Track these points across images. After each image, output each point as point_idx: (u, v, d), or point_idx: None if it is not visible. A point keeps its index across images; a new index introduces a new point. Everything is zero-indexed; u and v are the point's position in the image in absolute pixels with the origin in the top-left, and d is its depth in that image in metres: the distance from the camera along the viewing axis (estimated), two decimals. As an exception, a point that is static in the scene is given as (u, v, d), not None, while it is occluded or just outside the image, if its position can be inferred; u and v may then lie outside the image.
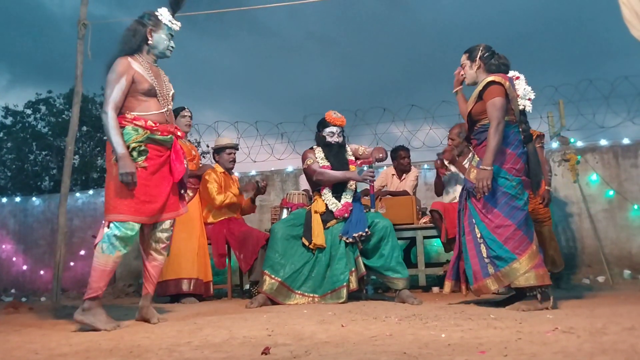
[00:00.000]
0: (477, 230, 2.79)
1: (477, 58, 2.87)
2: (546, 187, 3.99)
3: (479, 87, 2.80)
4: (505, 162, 2.75)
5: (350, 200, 3.47)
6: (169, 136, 2.61)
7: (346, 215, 3.43)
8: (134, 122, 2.54)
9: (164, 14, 2.67)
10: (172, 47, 2.73)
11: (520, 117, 2.85)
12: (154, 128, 2.56)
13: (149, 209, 2.55)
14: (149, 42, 2.65)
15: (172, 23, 2.70)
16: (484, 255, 2.75)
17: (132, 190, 2.48)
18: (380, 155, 3.38)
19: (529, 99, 2.89)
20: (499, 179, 2.73)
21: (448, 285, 2.97)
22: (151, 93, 2.61)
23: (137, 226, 2.50)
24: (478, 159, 2.82)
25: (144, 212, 2.54)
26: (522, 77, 2.93)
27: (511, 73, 2.93)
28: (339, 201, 3.47)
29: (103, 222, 2.53)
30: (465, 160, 4.04)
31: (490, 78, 2.76)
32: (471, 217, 2.83)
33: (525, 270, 2.64)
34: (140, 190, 2.51)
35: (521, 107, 2.87)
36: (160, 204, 2.59)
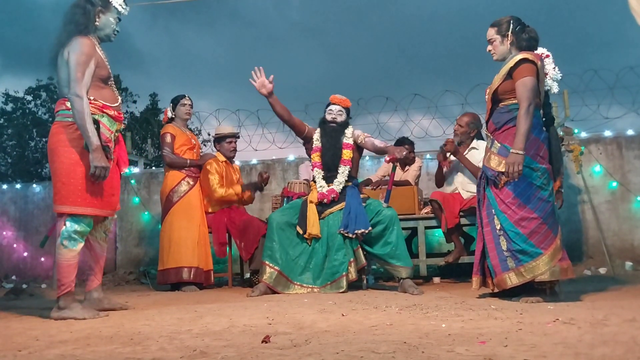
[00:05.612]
0: (496, 222, 2.65)
1: (510, 32, 2.69)
2: (559, 188, 3.82)
3: (509, 64, 2.64)
4: (530, 148, 2.56)
5: (337, 188, 3.43)
6: (122, 127, 2.58)
7: (326, 201, 3.40)
8: (104, 110, 2.46)
9: None
10: (117, 31, 2.60)
11: (543, 99, 2.72)
12: (119, 118, 2.52)
13: (113, 201, 2.55)
14: (96, 23, 2.52)
15: (122, 7, 2.59)
16: (503, 248, 2.62)
17: (101, 183, 2.43)
18: (404, 153, 3.32)
19: (556, 81, 2.77)
20: (524, 169, 2.55)
21: (476, 281, 2.82)
22: (107, 80, 2.52)
23: (93, 219, 2.47)
24: (499, 144, 2.66)
25: (110, 206, 2.53)
26: (550, 55, 2.78)
27: (540, 50, 2.79)
28: (328, 186, 3.46)
29: (58, 216, 2.42)
30: (467, 150, 4.01)
31: (522, 55, 2.61)
32: (490, 207, 2.69)
33: (549, 265, 2.54)
34: (107, 183, 2.47)
35: (547, 88, 2.75)
36: (118, 196, 2.62)
